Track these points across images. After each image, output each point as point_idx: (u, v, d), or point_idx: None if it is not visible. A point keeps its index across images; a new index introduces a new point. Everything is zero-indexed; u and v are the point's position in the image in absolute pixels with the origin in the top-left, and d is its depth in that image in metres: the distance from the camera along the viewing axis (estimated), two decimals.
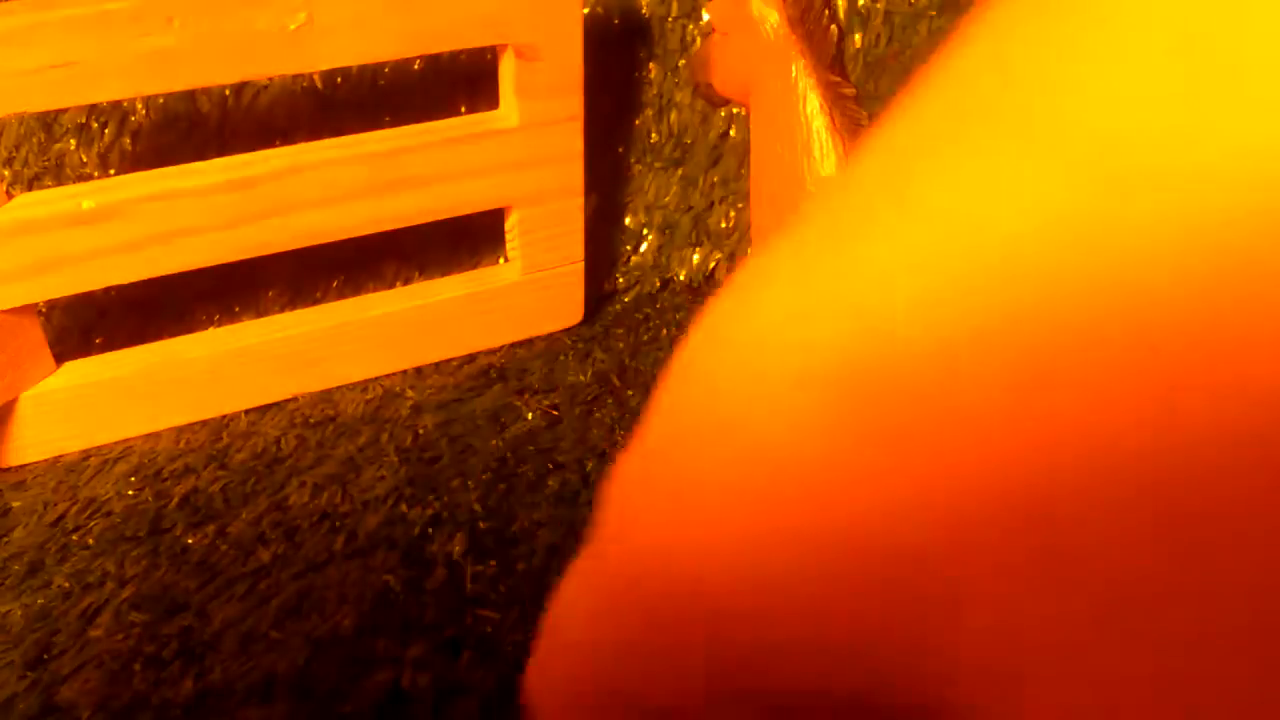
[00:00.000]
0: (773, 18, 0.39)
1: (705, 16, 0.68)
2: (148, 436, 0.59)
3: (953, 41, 0.14)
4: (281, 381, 0.61)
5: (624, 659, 0.17)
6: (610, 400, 0.61)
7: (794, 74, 0.40)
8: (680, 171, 0.71)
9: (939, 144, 0.14)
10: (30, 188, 0.64)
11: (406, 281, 0.69)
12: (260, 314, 0.65)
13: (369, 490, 0.55)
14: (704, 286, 0.73)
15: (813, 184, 0.40)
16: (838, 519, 0.13)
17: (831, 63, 0.39)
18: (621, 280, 0.72)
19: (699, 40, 0.70)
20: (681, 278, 0.73)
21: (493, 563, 0.51)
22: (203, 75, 0.52)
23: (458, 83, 0.68)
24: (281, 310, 0.66)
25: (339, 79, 0.66)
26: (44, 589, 0.50)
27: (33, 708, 0.45)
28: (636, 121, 0.71)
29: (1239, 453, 0.11)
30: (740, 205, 0.72)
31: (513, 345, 0.66)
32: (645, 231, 0.72)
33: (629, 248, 0.73)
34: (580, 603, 0.18)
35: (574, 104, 0.60)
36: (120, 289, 0.58)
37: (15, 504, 0.55)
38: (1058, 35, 0.13)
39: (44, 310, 0.63)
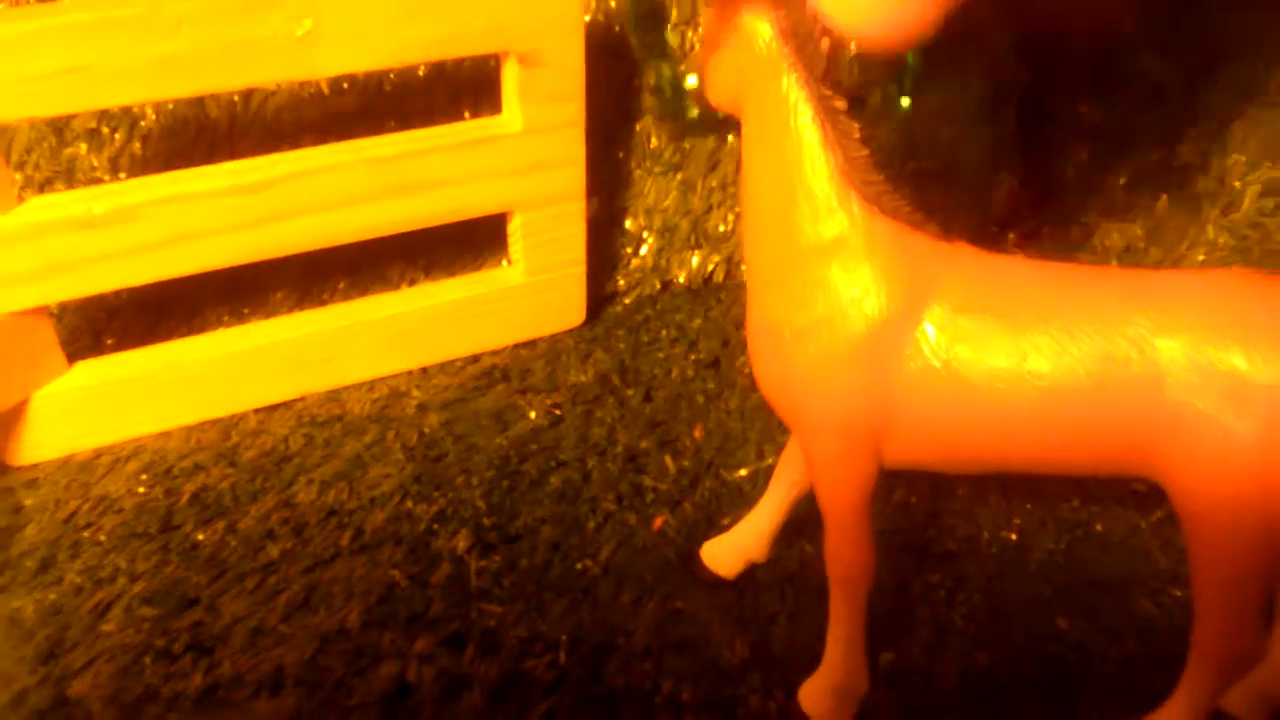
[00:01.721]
0: (764, 30, 0.39)
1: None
2: (158, 435, 0.60)
3: None
4: (289, 381, 0.62)
5: None
6: (611, 400, 0.62)
7: (785, 86, 0.40)
8: (680, 176, 0.72)
9: None
10: (42, 191, 0.64)
11: (412, 284, 0.69)
12: (268, 315, 0.66)
13: (375, 487, 0.56)
14: (703, 289, 0.74)
15: (803, 197, 0.40)
16: None
17: (823, 75, 0.39)
18: (622, 282, 0.73)
19: (699, 46, 0.70)
20: (681, 280, 0.74)
21: (497, 558, 0.52)
22: (211, 81, 0.52)
23: (461, 89, 0.68)
24: (289, 312, 0.67)
25: (345, 85, 0.66)
26: (56, 585, 0.51)
27: (44, 701, 0.46)
28: (637, 127, 0.71)
29: None
30: (738, 209, 0.73)
31: (516, 346, 0.67)
32: (645, 235, 0.73)
33: (629, 250, 0.73)
34: None
35: (576, 110, 0.60)
36: (131, 291, 0.58)
37: (28, 501, 0.56)
38: None
39: (56, 311, 0.63)
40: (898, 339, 0.40)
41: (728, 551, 0.51)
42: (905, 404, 0.40)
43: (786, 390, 0.42)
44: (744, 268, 0.45)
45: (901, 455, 0.42)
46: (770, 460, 0.57)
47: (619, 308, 0.71)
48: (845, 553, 0.43)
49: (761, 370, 0.43)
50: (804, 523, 0.53)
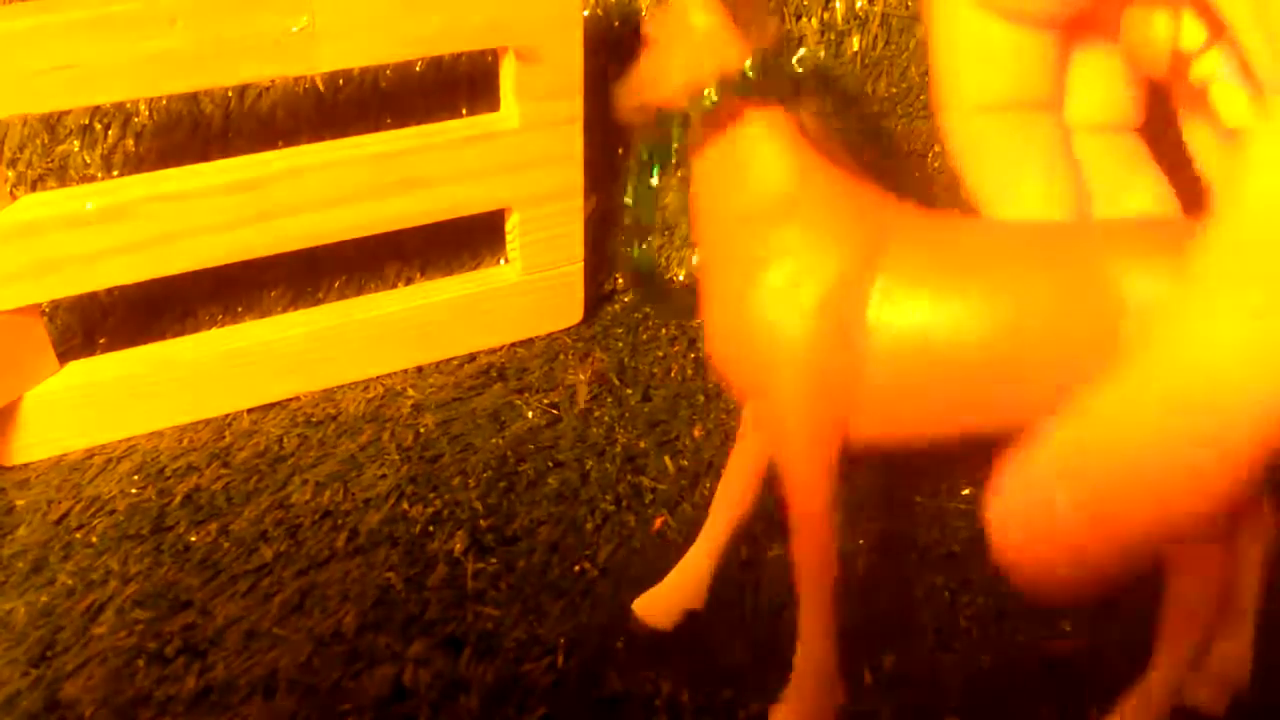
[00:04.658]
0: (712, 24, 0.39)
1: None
2: (151, 435, 0.59)
3: None
4: (284, 380, 0.61)
5: None
6: (609, 399, 0.62)
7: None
8: (680, 173, 0.72)
9: None
10: (34, 189, 0.64)
11: (408, 282, 0.69)
12: (263, 314, 0.66)
13: (370, 488, 0.55)
14: None
15: (756, 162, 0.40)
16: None
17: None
18: (621, 280, 0.73)
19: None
20: (681, 278, 0.73)
21: (493, 560, 0.51)
22: (205, 77, 0.52)
23: (458, 85, 0.68)
24: (284, 310, 0.66)
25: (341, 81, 0.66)
26: (47, 586, 0.50)
27: (36, 705, 0.45)
28: None
29: None
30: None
31: (513, 345, 0.67)
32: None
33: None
34: None
35: (574, 106, 0.60)
36: (123, 289, 0.58)
37: (19, 502, 0.55)
38: None
39: (47, 310, 0.63)
40: (860, 299, 0.37)
41: (664, 603, 0.48)
42: (871, 371, 0.38)
43: (749, 365, 0.39)
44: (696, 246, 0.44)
45: (869, 430, 0.39)
46: None
47: (617, 306, 0.71)
48: (815, 551, 0.40)
49: (719, 348, 0.41)
50: None
